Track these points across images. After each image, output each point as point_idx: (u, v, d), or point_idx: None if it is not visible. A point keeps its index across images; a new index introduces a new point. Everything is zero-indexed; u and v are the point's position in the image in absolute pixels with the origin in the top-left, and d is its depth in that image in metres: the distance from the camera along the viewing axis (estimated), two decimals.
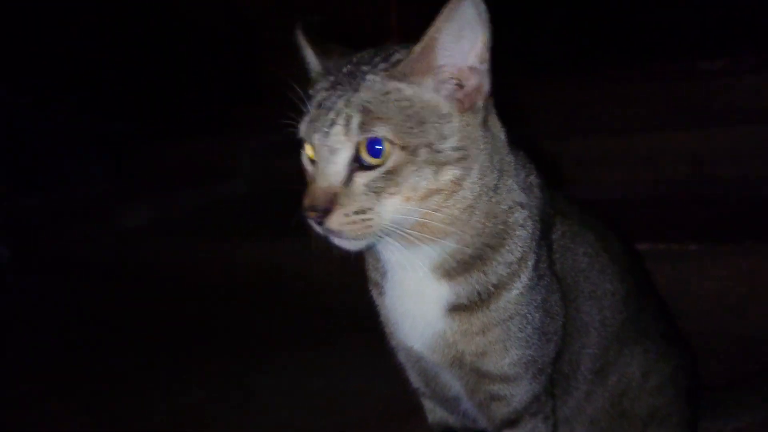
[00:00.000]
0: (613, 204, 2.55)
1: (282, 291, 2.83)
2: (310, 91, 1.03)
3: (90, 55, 4.73)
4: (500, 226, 1.03)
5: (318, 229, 0.96)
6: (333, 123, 0.94)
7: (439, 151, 0.93)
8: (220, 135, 4.63)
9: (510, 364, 1.08)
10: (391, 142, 0.92)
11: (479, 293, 1.04)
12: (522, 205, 1.06)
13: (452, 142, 0.94)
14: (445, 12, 0.90)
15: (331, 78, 1.00)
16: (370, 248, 1.05)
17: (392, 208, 0.94)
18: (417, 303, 1.08)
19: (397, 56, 0.98)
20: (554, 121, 3.48)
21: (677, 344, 1.41)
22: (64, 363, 2.41)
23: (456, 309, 1.05)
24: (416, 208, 0.94)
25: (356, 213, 0.93)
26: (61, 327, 2.81)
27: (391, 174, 0.92)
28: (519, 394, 1.11)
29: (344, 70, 1.00)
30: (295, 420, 1.84)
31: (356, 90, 0.95)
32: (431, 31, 0.92)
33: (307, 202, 0.95)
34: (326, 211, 0.93)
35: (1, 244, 3.84)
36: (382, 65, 0.98)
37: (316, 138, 0.96)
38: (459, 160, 0.94)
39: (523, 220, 1.06)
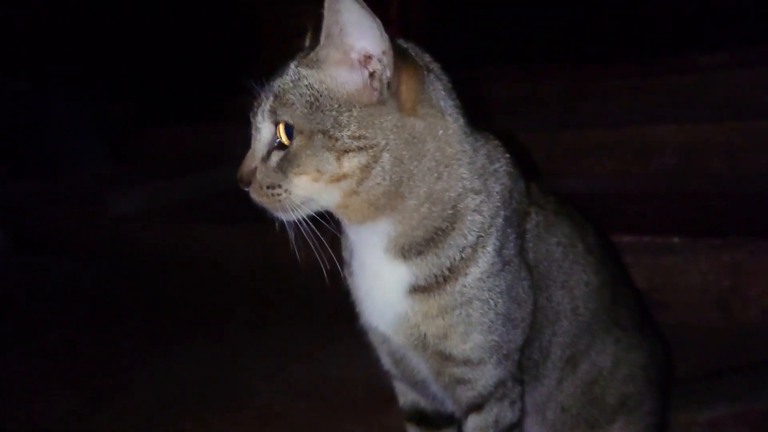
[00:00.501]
0: (603, 196, 2.56)
1: (272, 278, 2.84)
2: None
3: (88, 41, 4.73)
4: (449, 211, 1.05)
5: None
6: (258, 105, 1.03)
7: (336, 138, 0.97)
8: (215, 122, 4.63)
9: (472, 348, 1.09)
10: (293, 127, 0.98)
11: (435, 275, 1.06)
12: (476, 192, 1.07)
13: (351, 130, 0.98)
14: (326, 4, 0.95)
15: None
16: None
17: (301, 186, 1.00)
18: (378, 283, 1.10)
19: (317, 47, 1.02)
20: (549, 113, 3.49)
21: (650, 335, 1.42)
22: (52, 343, 2.44)
23: (416, 290, 1.07)
24: (330, 189, 1.00)
25: (268, 188, 1.02)
26: (51, 308, 2.84)
27: (294, 155, 0.99)
28: (483, 378, 1.12)
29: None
30: (276, 404, 1.86)
31: (280, 77, 1.02)
32: (324, 21, 0.97)
33: (237, 174, 1.05)
34: (249, 184, 1.04)
35: None
36: (303, 54, 1.04)
37: (251, 117, 1.05)
38: (361, 148, 0.98)
39: (476, 206, 1.06)
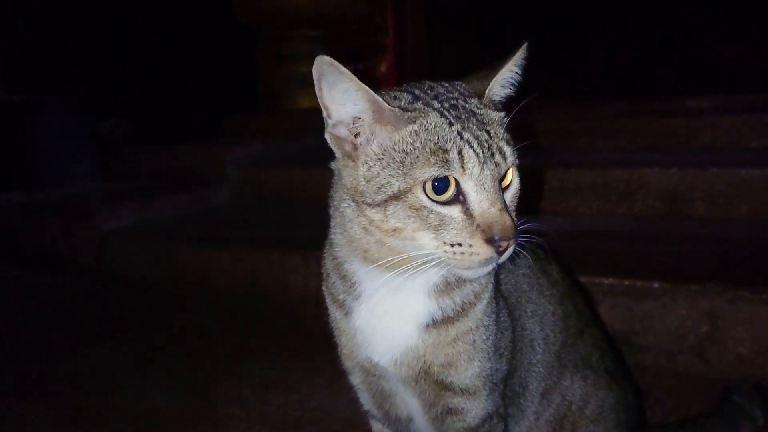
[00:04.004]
0: (586, 236, 2.59)
1: (256, 303, 2.84)
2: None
3: (83, 56, 4.75)
4: None
5: (494, 258, 0.98)
6: (494, 154, 0.99)
7: None
8: (208, 141, 4.65)
9: (472, 376, 1.14)
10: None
11: (462, 305, 1.12)
12: None
13: None
14: None
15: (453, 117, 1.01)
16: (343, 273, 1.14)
17: None
18: (395, 320, 1.13)
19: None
20: (536, 149, 3.53)
21: (622, 381, 1.45)
22: (31, 361, 2.41)
23: (434, 324, 1.12)
24: None
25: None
26: (31, 324, 2.82)
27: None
28: (475, 409, 1.17)
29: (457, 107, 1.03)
30: None
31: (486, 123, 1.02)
32: None
33: (504, 232, 0.96)
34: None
35: None
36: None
37: (488, 169, 0.97)
38: None
39: None
